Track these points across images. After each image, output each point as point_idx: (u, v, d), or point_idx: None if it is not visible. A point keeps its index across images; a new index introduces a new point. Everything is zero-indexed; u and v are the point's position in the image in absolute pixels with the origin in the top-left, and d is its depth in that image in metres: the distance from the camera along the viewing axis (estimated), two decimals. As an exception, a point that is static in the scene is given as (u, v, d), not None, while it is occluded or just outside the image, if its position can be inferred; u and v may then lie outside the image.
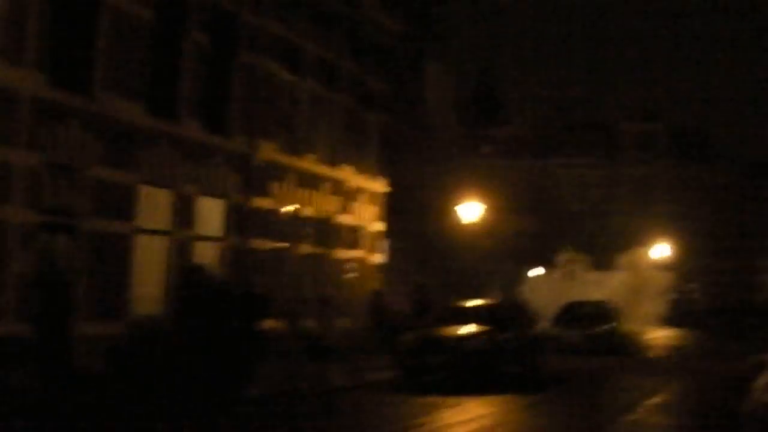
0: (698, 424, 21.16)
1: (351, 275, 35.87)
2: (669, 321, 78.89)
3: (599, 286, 69.85)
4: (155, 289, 25.42)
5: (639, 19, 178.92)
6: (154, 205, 25.34)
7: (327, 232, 34.20)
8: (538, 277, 71.83)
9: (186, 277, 24.23)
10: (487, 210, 42.33)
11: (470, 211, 40.00)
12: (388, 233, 40.73)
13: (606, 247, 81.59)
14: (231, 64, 28.37)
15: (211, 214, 27.61)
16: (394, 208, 41.27)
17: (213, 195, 27.52)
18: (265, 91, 29.38)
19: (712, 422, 20.72)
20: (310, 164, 32.46)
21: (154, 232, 25.32)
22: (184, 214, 25.98)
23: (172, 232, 25.66)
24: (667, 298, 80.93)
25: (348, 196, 35.18)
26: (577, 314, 45.54)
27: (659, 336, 60.78)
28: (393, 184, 39.78)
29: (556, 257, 65.51)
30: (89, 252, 22.60)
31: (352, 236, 35.92)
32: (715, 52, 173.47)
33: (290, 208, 31.24)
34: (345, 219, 35.11)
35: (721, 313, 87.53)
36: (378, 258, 38.22)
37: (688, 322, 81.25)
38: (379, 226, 37.97)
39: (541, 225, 65.30)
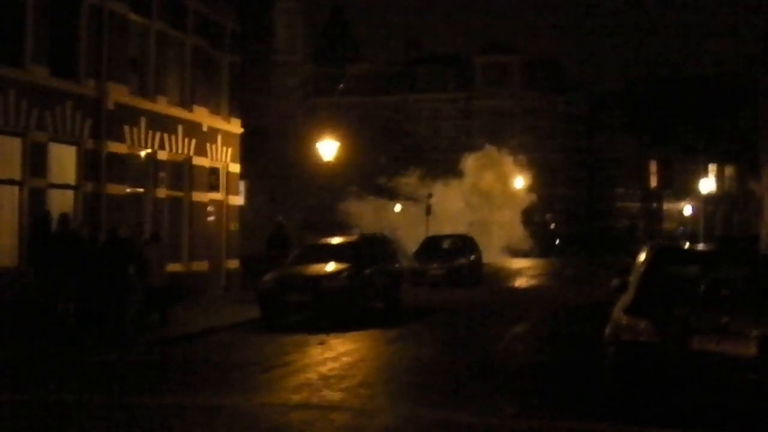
0: (563, 348, 21.51)
1: (209, 218, 35.56)
2: (529, 250, 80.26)
3: (456, 220, 70.66)
4: (9, 239, 24.85)
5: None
6: (4, 154, 24.69)
7: (183, 175, 33.78)
8: (400, 212, 72.25)
9: (42, 226, 23.79)
10: (344, 147, 42.24)
11: (327, 149, 39.82)
12: (246, 174, 40.44)
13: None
14: (77, 6, 27.60)
15: (63, 161, 27.00)
16: (250, 149, 40.97)
17: (65, 141, 26.90)
18: (113, 33, 28.68)
19: (575, 347, 21.09)
20: (162, 107, 31.94)
21: (5, 181, 24.67)
22: (35, 162, 25.34)
23: (24, 181, 25.02)
24: (511, 227, 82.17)
25: (203, 137, 34.72)
26: (438, 248, 45.98)
27: (522, 266, 61.69)
28: (248, 124, 39.44)
29: (415, 191, 65.81)
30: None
31: (209, 178, 35.53)
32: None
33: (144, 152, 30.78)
34: (201, 161, 34.69)
35: (579, 241, 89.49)
36: (236, 199, 37.92)
37: (547, 251, 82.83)
38: (236, 168, 37.62)
39: (400, 160, 65.44)
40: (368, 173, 61.32)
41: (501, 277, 49.94)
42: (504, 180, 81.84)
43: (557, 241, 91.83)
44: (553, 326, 26.64)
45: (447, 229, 59.67)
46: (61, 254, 22.79)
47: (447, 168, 78.28)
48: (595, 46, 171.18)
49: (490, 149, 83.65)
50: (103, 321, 22.85)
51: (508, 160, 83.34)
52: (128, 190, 29.81)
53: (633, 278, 14.51)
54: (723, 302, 13.12)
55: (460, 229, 62.09)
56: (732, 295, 13.50)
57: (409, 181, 64.65)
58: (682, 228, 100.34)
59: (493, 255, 65.88)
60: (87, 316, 22.93)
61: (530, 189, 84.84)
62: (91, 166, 27.78)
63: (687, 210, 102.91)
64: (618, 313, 13.42)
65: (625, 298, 13.75)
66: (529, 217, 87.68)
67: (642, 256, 15.28)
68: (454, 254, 44.71)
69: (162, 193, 32.18)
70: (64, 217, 24.37)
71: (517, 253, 77.07)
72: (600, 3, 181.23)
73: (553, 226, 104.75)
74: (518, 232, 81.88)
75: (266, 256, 33.00)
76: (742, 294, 13.68)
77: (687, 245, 23.69)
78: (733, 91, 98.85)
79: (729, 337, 12.43)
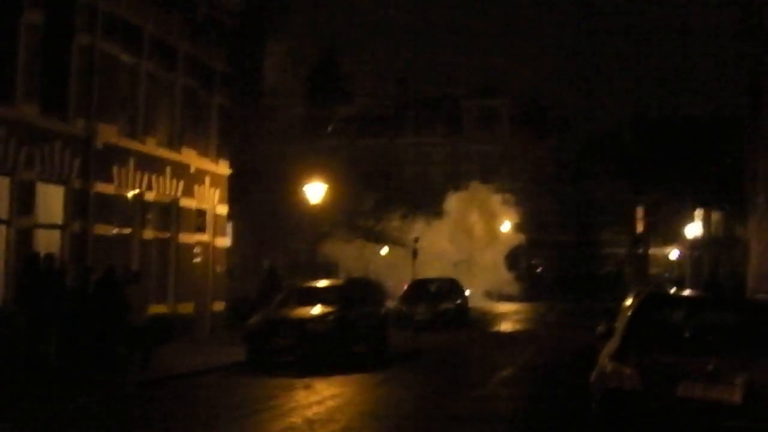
0: (549, 393, 21.49)
1: (196, 259, 35.50)
2: (517, 295, 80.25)
3: (442, 260, 70.75)
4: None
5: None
6: (-9, 193, 24.63)
7: (170, 216, 33.75)
8: (386, 254, 72.28)
9: (29, 266, 23.74)
10: (331, 190, 42.30)
11: (315, 191, 39.87)
12: (233, 216, 40.43)
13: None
14: (68, 45, 27.62)
15: (51, 200, 26.92)
16: (238, 191, 40.98)
17: (53, 181, 26.81)
18: (103, 73, 28.69)
19: (561, 392, 21.06)
20: (151, 147, 31.92)
21: (-9, 220, 24.61)
22: (23, 201, 25.25)
23: (11, 221, 24.93)
24: (496, 270, 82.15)
25: (191, 179, 34.70)
26: (424, 291, 46.01)
27: (508, 310, 61.69)
28: (237, 166, 39.46)
29: (403, 235, 65.87)
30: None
31: (197, 220, 35.51)
32: (551, 27, 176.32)
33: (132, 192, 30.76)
34: (188, 202, 34.66)
35: (567, 286, 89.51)
36: (223, 241, 37.88)
37: (535, 296, 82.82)
38: (223, 209, 37.60)
39: (387, 203, 65.54)
40: (355, 216, 61.33)
41: (487, 321, 49.88)
42: (490, 218, 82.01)
43: (545, 285, 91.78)
44: (538, 372, 26.61)
45: (432, 271, 59.77)
46: (45, 294, 22.76)
47: (432, 209, 78.42)
48: (582, 91, 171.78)
49: (475, 186, 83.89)
50: (87, 363, 22.78)
51: (494, 198, 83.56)
52: (115, 230, 29.69)
53: (619, 324, 14.53)
54: (709, 348, 13.13)
55: (446, 270, 62.16)
56: (718, 341, 13.51)
57: (396, 224, 64.74)
58: (668, 273, 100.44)
59: (478, 299, 65.92)
60: (69, 358, 22.88)
61: (517, 232, 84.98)
62: (79, 205, 27.70)
63: (673, 255, 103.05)
64: (604, 359, 13.42)
65: (611, 345, 13.75)
66: (515, 260, 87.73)
67: (628, 302, 15.32)
68: (440, 298, 44.76)
69: (149, 234, 32.12)
70: (49, 256, 24.36)
71: (502, 297, 77.10)
72: (588, 48, 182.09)
73: (539, 270, 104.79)
74: (504, 275, 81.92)
75: (258, 299, 33.00)
76: (728, 340, 13.69)
77: (673, 291, 23.82)
78: (720, 136, 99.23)
79: (715, 384, 12.43)
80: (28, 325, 22.83)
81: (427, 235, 71.37)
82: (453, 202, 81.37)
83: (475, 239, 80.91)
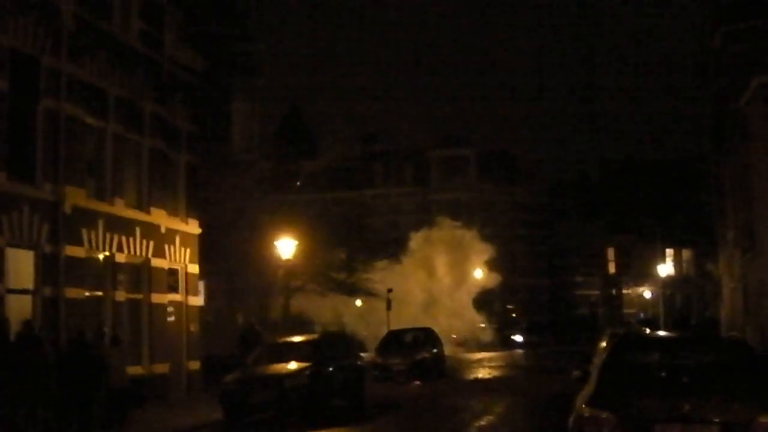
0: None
1: (169, 319, 35.35)
2: (491, 342, 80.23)
3: (415, 309, 70.87)
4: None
5: (442, 50, 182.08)
6: (-40, 260, 24.49)
7: (142, 277, 33.67)
8: (360, 306, 72.18)
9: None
10: (302, 244, 42.32)
11: (286, 246, 39.89)
12: (205, 274, 40.35)
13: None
14: (33, 109, 27.62)
15: (21, 265, 26.80)
16: (208, 248, 40.90)
17: (22, 246, 26.72)
18: (69, 136, 28.66)
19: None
20: (120, 209, 31.88)
21: (-39, 288, 24.45)
22: (-8, 267, 25.14)
23: (-20, 287, 24.80)
24: (477, 315, 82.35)
25: (161, 239, 34.64)
26: (400, 342, 45.98)
27: (483, 357, 61.64)
28: (207, 224, 39.42)
29: (375, 286, 65.77)
30: None
31: (168, 279, 35.41)
32: (516, 77, 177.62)
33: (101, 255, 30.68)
34: (159, 263, 34.58)
35: (541, 331, 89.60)
36: (196, 300, 37.76)
37: (510, 342, 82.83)
38: (195, 268, 37.52)
39: (358, 256, 65.51)
40: (327, 269, 61.25)
41: (463, 369, 49.81)
42: (457, 252, 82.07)
43: (520, 331, 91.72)
44: (516, 419, 26.57)
45: (404, 317, 59.91)
46: (22, 360, 22.64)
47: (400, 252, 78.41)
48: (547, 136, 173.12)
49: (442, 221, 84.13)
50: (65, 427, 22.65)
51: (462, 233, 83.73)
52: (87, 293, 29.56)
53: (594, 368, 14.51)
54: (685, 389, 13.12)
55: (417, 315, 62.27)
56: (694, 382, 13.51)
57: (368, 276, 64.70)
58: (642, 313, 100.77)
59: (452, 347, 65.87)
60: (43, 423, 22.72)
61: (490, 273, 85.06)
62: (49, 270, 27.58)
63: (647, 294, 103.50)
64: (580, 405, 13.38)
65: (587, 389, 13.72)
66: (488, 304, 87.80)
67: (602, 344, 15.33)
68: (416, 348, 44.70)
69: (121, 295, 32.00)
70: (28, 323, 24.32)
71: (482, 344, 77.17)
72: (550, 95, 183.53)
73: (514, 315, 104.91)
74: (475, 319, 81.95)
75: (237, 356, 32.87)
76: (703, 380, 13.69)
77: (647, 332, 23.86)
78: (685, 175, 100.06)
79: (692, 425, 12.41)
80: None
81: (397, 281, 71.37)
82: (419, 239, 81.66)
83: (444, 279, 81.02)
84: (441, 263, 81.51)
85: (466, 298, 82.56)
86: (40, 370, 22.77)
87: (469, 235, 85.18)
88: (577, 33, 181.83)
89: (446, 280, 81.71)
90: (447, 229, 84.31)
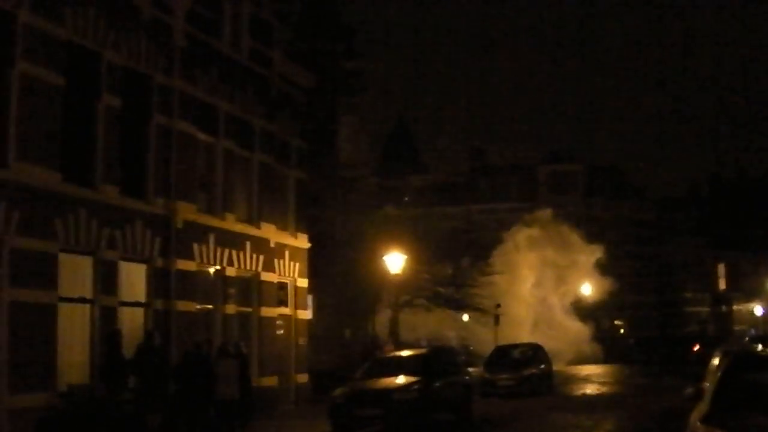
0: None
1: (278, 333, 35.63)
2: (600, 358, 79.49)
3: (522, 329, 70.45)
4: (81, 357, 24.99)
5: (554, 64, 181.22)
6: (76, 273, 24.93)
7: (251, 290, 33.99)
8: (467, 320, 72.10)
9: (113, 344, 24.08)
10: (411, 259, 42.39)
11: (395, 261, 39.97)
12: (314, 288, 40.59)
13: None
14: (145, 126, 28.09)
15: (133, 278, 27.25)
16: (318, 263, 41.15)
17: (135, 260, 27.17)
18: (180, 152, 29.11)
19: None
20: (230, 223, 32.24)
21: (77, 300, 24.87)
22: (106, 280, 25.55)
23: (95, 300, 25.22)
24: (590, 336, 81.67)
25: (270, 253, 34.95)
26: (508, 357, 45.72)
27: (591, 373, 61.04)
28: (315, 238, 39.67)
29: (482, 302, 65.55)
30: (12, 323, 22.10)
31: (278, 293, 35.71)
32: (622, 93, 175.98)
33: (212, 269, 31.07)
34: (269, 277, 34.89)
35: (649, 347, 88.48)
36: (304, 314, 38.01)
37: (618, 358, 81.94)
38: (304, 282, 37.78)
39: (467, 271, 65.33)
40: (434, 284, 61.20)
41: (571, 385, 49.35)
42: (565, 250, 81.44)
43: (628, 347, 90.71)
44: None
45: (511, 331, 59.68)
46: (144, 370, 23.34)
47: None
48: (656, 152, 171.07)
49: (542, 214, 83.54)
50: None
51: (568, 230, 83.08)
52: (198, 306, 29.98)
53: (707, 385, 14.29)
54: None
55: (526, 330, 61.91)
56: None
57: (476, 291, 64.48)
58: (754, 329, 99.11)
59: (561, 363, 65.37)
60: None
61: (598, 288, 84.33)
62: (161, 283, 28.01)
63: (758, 311, 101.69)
64: (694, 423, 13.19)
65: (701, 407, 13.53)
66: (597, 321, 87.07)
67: (715, 361, 15.06)
68: (524, 364, 44.38)
69: (231, 309, 32.34)
70: (150, 334, 25.15)
71: (590, 360, 76.44)
72: (658, 110, 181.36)
73: (622, 331, 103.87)
74: (583, 335, 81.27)
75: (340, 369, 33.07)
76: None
77: (760, 348, 23.27)
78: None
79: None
80: (135, 400, 23.35)
81: (505, 297, 71.14)
82: (521, 236, 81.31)
83: (551, 292, 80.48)
84: (547, 266, 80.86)
85: (573, 314, 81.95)
86: (162, 380, 23.38)
87: (575, 236, 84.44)
88: (682, 47, 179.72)
89: (554, 295, 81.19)
90: (551, 224, 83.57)
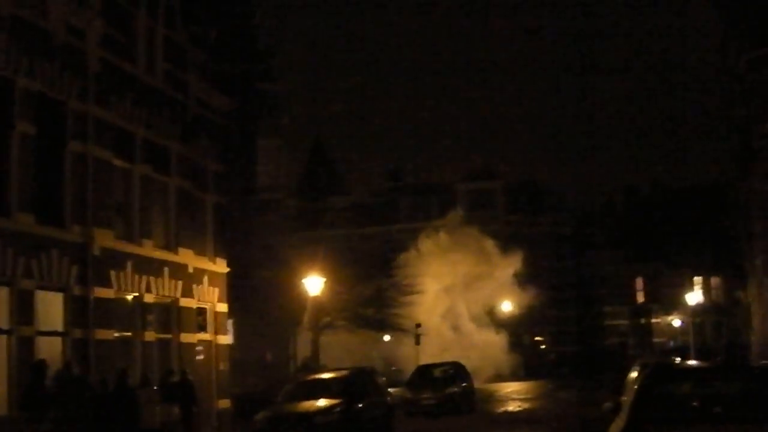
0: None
1: (198, 358, 35.39)
2: (520, 373, 79.92)
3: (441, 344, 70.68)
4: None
5: (466, 82, 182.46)
6: (-9, 303, 24.61)
7: (171, 317, 33.74)
8: (389, 341, 72.17)
9: (37, 374, 23.82)
10: (331, 280, 42.39)
11: (314, 284, 39.95)
12: (233, 312, 40.39)
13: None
14: (60, 153, 27.79)
15: (51, 307, 26.90)
16: (236, 287, 40.97)
17: (51, 288, 26.83)
18: (96, 178, 28.82)
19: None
20: (148, 250, 31.99)
21: (-8, 330, 24.55)
22: (23, 310, 25.22)
23: (12, 330, 24.88)
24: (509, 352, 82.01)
25: (189, 279, 34.73)
26: (430, 376, 45.82)
27: (512, 390, 61.40)
28: (234, 262, 39.50)
29: (402, 322, 65.66)
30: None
31: (197, 319, 35.48)
32: (538, 110, 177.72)
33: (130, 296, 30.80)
34: (188, 302, 34.66)
35: (570, 361, 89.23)
36: (225, 339, 37.80)
37: (539, 373, 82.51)
38: (223, 307, 37.58)
39: (387, 292, 65.39)
40: (355, 305, 61.20)
41: (493, 402, 49.60)
42: (481, 259, 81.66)
43: (549, 362, 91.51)
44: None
45: (430, 349, 59.86)
46: (64, 400, 23.03)
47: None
48: (572, 167, 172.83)
49: (453, 217, 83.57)
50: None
51: (482, 238, 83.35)
52: (116, 334, 29.67)
53: (626, 398, 14.45)
54: (718, 418, 13.06)
55: (444, 348, 62.09)
56: (727, 411, 13.43)
57: (397, 311, 64.57)
58: (672, 342, 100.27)
59: (481, 379, 65.61)
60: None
61: (518, 303, 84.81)
62: (79, 311, 27.66)
63: (676, 323, 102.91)
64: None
65: (619, 421, 13.67)
66: (517, 338, 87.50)
67: (633, 374, 15.24)
68: (446, 382, 44.53)
69: (150, 336, 32.05)
70: (67, 364, 24.85)
71: (505, 377, 76.81)
72: (573, 125, 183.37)
73: (543, 346, 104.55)
74: (503, 351, 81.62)
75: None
76: (736, 409, 13.61)
77: (677, 361, 23.64)
78: (714, 202, 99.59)
79: (726, 455, 12.35)
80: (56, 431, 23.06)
81: (425, 315, 71.30)
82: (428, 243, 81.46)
83: (470, 308, 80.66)
84: (456, 273, 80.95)
85: (493, 331, 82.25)
86: (83, 410, 23.11)
87: (491, 243, 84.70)
88: (581, 56, 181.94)
89: (461, 302, 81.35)
90: (460, 228, 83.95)
